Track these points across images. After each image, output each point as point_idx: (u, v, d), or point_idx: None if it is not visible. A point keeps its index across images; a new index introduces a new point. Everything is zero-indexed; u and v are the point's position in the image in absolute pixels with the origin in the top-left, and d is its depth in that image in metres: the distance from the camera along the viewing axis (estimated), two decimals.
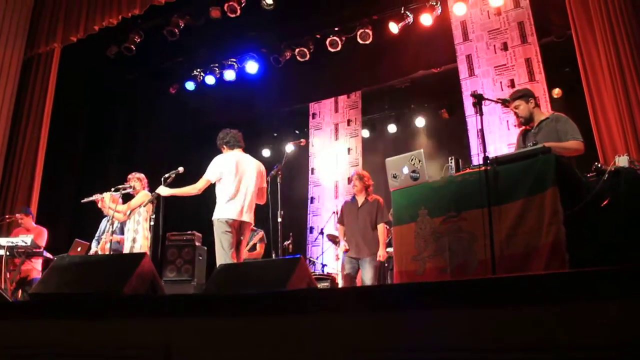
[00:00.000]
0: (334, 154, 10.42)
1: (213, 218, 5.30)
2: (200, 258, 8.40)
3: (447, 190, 3.94)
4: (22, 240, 6.85)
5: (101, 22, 8.52)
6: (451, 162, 4.09)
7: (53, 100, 8.94)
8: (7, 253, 6.76)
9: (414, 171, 4.17)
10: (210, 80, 9.97)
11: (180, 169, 5.66)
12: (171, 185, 5.58)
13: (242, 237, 5.34)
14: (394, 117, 10.33)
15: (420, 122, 10.00)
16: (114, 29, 8.76)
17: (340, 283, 7.20)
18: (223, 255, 5.12)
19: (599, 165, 3.76)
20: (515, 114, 4.44)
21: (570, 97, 8.46)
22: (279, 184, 5.41)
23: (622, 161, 3.70)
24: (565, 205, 3.39)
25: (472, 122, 7.86)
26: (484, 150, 3.69)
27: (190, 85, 10.14)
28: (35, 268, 7.30)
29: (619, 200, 3.47)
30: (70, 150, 9.46)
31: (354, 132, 10.34)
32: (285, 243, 8.17)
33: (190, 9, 8.84)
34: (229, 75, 9.79)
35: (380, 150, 10.18)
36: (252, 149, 10.76)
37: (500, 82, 7.76)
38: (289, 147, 5.78)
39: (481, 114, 3.74)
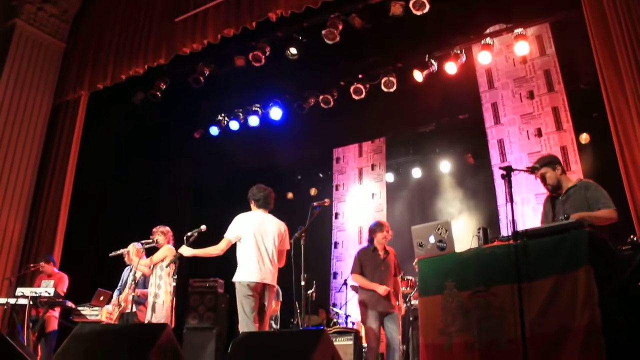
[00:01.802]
0: (358, 198, 10.35)
1: (234, 280, 5.23)
2: (223, 306, 8.34)
3: (476, 263, 3.82)
4: (46, 290, 6.85)
5: (128, 71, 8.63)
6: (479, 233, 3.98)
7: (79, 147, 9.05)
8: (31, 303, 6.77)
9: (440, 241, 4.07)
10: (234, 125, 10.03)
11: (203, 227, 5.61)
12: (194, 242, 5.54)
13: (265, 301, 5.22)
14: (418, 162, 10.24)
15: (445, 166, 9.89)
16: (140, 77, 8.89)
17: (363, 337, 7.06)
18: (245, 320, 5.02)
19: (635, 239, 3.61)
20: (543, 181, 4.34)
21: (599, 142, 8.29)
22: (302, 246, 5.31)
23: None
24: (600, 284, 3.25)
25: (498, 171, 7.74)
26: (513, 224, 3.58)
27: (214, 130, 10.21)
28: (53, 316, 7.29)
29: None
30: (95, 197, 9.51)
31: (378, 176, 10.28)
32: (309, 292, 8.03)
33: (215, 57, 8.91)
34: (253, 121, 9.84)
35: (405, 195, 10.11)
36: (276, 193, 10.89)
37: (527, 131, 7.65)
38: (313, 208, 5.64)
39: (510, 192, 3.62)
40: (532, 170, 4.30)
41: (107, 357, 3.76)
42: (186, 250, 5.42)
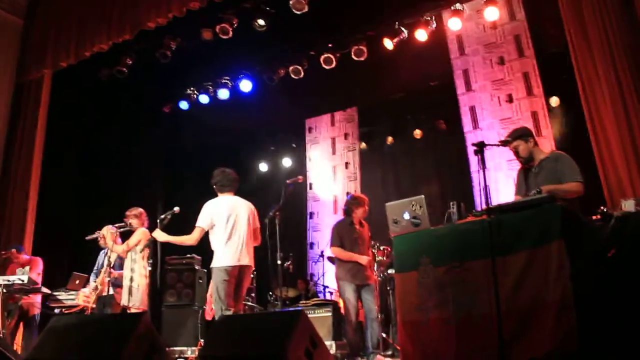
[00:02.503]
0: (331, 168, 10.34)
1: (211, 266, 5.25)
2: (201, 281, 8.33)
3: (450, 239, 3.85)
4: (19, 278, 6.75)
5: (91, 48, 8.38)
6: (453, 208, 4.00)
7: (46, 128, 8.82)
8: (4, 291, 6.68)
9: (415, 217, 4.09)
10: (204, 99, 9.87)
11: (176, 209, 5.57)
12: (168, 225, 5.49)
13: (242, 281, 5.26)
14: (390, 129, 10.21)
15: (417, 133, 9.87)
16: (105, 52, 8.64)
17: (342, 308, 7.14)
18: (219, 304, 5.07)
19: (605, 210, 3.66)
20: (515, 153, 4.37)
21: (569, 105, 8.34)
22: (277, 225, 5.31)
23: (628, 205, 3.61)
24: (572, 257, 3.30)
25: (470, 137, 7.78)
26: (487, 200, 3.60)
27: (184, 105, 10.04)
28: (35, 302, 7.22)
29: (626, 250, 3.39)
30: (65, 179, 9.33)
31: (352, 145, 10.26)
32: (285, 264, 8.06)
33: (181, 31, 8.71)
34: (223, 94, 9.69)
35: (379, 163, 10.11)
36: (249, 165, 10.85)
37: (498, 97, 7.68)
38: (287, 186, 5.62)
39: (484, 168, 3.63)
40: (504, 143, 4.31)
41: (85, 351, 3.72)
42: (160, 236, 5.39)
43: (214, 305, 5.13)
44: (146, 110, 10.21)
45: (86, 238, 6.53)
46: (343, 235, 6.34)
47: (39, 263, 7.43)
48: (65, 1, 8.89)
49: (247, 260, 5.27)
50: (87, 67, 8.98)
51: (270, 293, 8.03)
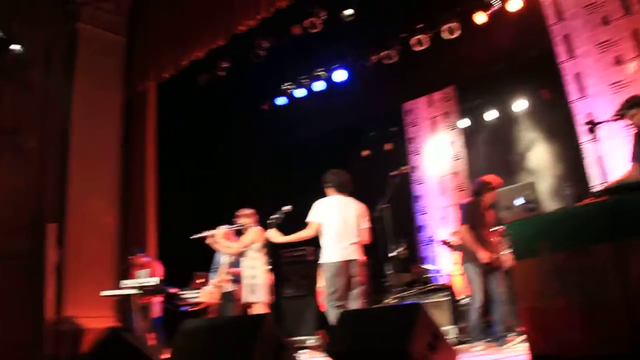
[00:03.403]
0: (434, 149, 10.21)
1: (320, 262, 5.36)
2: (315, 272, 8.55)
3: (570, 223, 3.71)
4: (147, 280, 7.25)
5: (189, 57, 8.79)
6: (569, 190, 3.86)
7: (157, 136, 9.38)
8: (136, 292, 7.19)
9: (528, 202, 3.98)
10: (300, 93, 10.06)
11: (287, 208, 5.71)
12: (280, 224, 5.66)
13: (354, 276, 5.29)
14: (491, 104, 9.89)
15: (519, 105, 9.50)
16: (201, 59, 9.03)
17: (459, 293, 7.07)
18: (329, 300, 5.18)
19: None
20: (632, 124, 4.12)
21: None
22: (384, 219, 5.32)
23: None
24: None
25: (578, 107, 7.40)
26: (605, 180, 3.45)
27: (281, 101, 10.27)
28: (155, 304, 7.72)
29: None
30: (180, 183, 9.85)
31: (453, 124, 10.05)
32: (398, 251, 7.98)
33: (271, 29, 8.91)
34: (319, 86, 9.84)
35: (483, 139, 9.84)
36: (350, 154, 10.91)
37: (606, 61, 7.21)
38: (392, 178, 5.61)
39: (596, 139, 3.46)
40: (619, 116, 4.08)
41: (216, 352, 3.97)
42: (275, 236, 5.57)
43: (325, 301, 5.25)
44: (245, 110, 10.56)
45: (191, 237, 6.81)
46: (471, 216, 6.16)
47: (159, 268, 7.95)
48: (162, 16, 9.34)
49: (356, 254, 5.30)
50: (186, 75, 9.44)
51: (385, 281, 8.08)
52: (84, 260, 8.81)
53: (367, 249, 5.54)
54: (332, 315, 5.11)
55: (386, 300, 7.33)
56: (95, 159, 9.19)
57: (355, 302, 5.24)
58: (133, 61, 9.75)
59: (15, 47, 9.54)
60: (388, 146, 10.95)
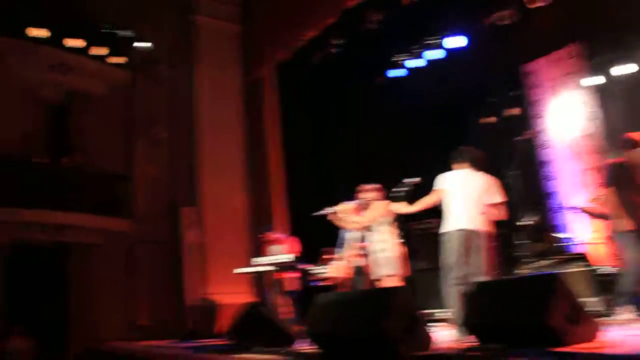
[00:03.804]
0: (561, 110, 9.63)
1: (440, 231, 5.26)
2: (444, 244, 8.45)
3: None
4: (279, 257, 7.53)
5: (303, 38, 8.96)
6: None
7: (278, 117, 9.68)
8: (271, 269, 7.50)
9: None
10: (415, 63, 9.87)
11: (415, 180, 5.66)
12: (407, 197, 5.62)
13: (477, 248, 5.10)
14: (622, 57, 9.08)
15: None
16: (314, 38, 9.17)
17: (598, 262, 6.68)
18: (446, 273, 5.07)
19: None
20: None
21: None
22: (515, 187, 5.11)
23: None
24: None
25: None
26: None
27: (396, 73, 10.15)
28: (292, 279, 7.99)
29: None
30: (303, 160, 10.10)
31: (579, 83, 9.40)
32: (528, 219, 7.63)
33: (381, 2, 8.81)
34: (433, 54, 9.60)
35: (616, 96, 9.09)
36: (472, 121, 10.56)
37: None
38: (518, 143, 5.36)
39: None
40: None
41: (350, 325, 4.06)
42: (401, 208, 5.55)
43: (443, 271, 5.15)
44: (360, 84, 10.55)
45: (313, 214, 6.91)
46: (618, 178, 5.66)
47: (295, 244, 8.20)
48: (274, 1, 9.55)
49: (480, 225, 5.13)
50: (301, 55, 9.61)
51: (515, 251, 7.82)
52: (218, 240, 9.38)
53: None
54: (449, 290, 5.03)
55: (518, 272, 7.09)
56: (222, 144, 9.70)
57: (480, 275, 5.08)
58: (250, 47, 10.10)
59: (144, 44, 10.21)
60: (510, 111, 10.48)
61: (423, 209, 5.45)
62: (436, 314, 7.76)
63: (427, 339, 4.06)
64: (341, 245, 7.28)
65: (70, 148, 10.13)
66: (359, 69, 10.34)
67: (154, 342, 7.74)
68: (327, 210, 6.73)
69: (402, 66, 10.03)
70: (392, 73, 10.20)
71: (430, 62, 9.72)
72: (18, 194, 9.03)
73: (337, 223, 6.69)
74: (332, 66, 9.89)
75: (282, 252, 7.77)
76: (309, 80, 10.27)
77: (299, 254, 7.79)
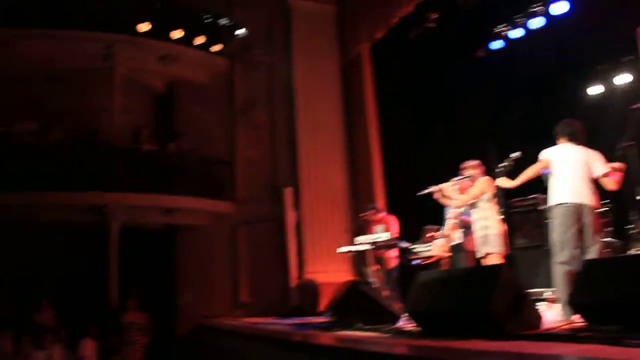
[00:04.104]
0: None
1: (547, 205, 5.03)
2: (548, 221, 8.10)
3: None
4: (379, 236, 7.52)
5: (398, 15, 8.82)
6: None
7: (375, 96, 9.64)
8: (370, 248, 7.51)
9: None
10: (517, 33, 9.41)
11: (516, 154, 5.44)
12: (510, 172, 5.43)
13: (586, 224, 4.80)
14: None
15: None
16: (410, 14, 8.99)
17: None
18: (553, 247, 4.82)
19: None
20: None
21: None
22: (631, 159, 4.76)
23: None
24: None
25: None
26: None
27: (497, 44, 9.73)
28: (392, 257, 7.96)
29: None
30: (401, 138, 9.99)
31: None
32: None
33: None
34: (536, 22, 9.11)
35: None
36: (578, 91, 9.95)
37: None
38: (633, 112, 4.99)
39: None
40: None
41: (455, 302, 3.99)
42: (506, 182, 5.38)
43: (552, 248, 4.90)
44: (459, 59, 10.23)
45: (418, 194, 6.82)
46: None
47: (394, 222, 8.15)
48: None
49: (589, 199, 4.84)
50: (397, 32, 9.46)
51: (631, 228, 7.31)
52: (318, 220, 9.54)
53: (610, 193, 5.04)
54: (556, 268, 4.79)
55: (634, 250, 6.64)
56: (320, 125, 9.81)
57: (592, 253, 4.81)
58: (345, 27, 10.11)
59: (240, 31, 10.49)
60: (622, 77, 9.76)
61: (527, 180, 5.23)
62: (536, 293, 7.47)
63: (535, 317, 3.93)
64: (445, 223, 7.17)
65: (176, 135, 10.64)
66: (457, 43, 10.02)
67: (257, 319, 8.01)
68: (432, 189, 6.63)
69: (504, 37, 9.60)
70: (495, 45, 9.79)
71: (532, 31, 9.23)
72: (130, 180, 9.64)
73: (441, 201, 6.59)
74: (429, 42, 9.65)
75: (382, 231, 7.76)
76: (405, 58, 10.11)
77: (398, 233, 7.78)
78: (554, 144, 5.17)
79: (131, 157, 9.86)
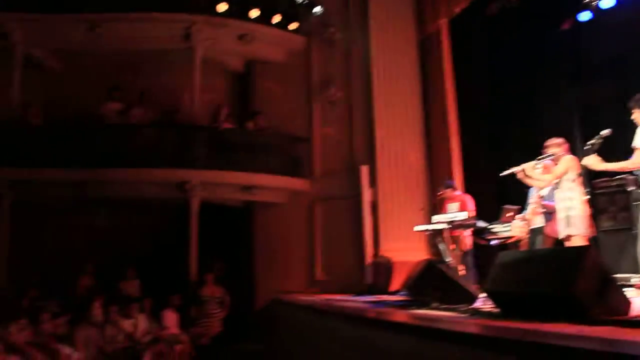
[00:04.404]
0: None
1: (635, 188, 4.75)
2: (636, 203, 7.67)
3: None
4: (457, 215, 7.37)
5: None
6: None
7: (453, 72, 9.40)
8: (446, 227, 7.38)
9: None
10: (608, 2, 8.83)
11: (606, 132, 5.16)
12: (598, 151, 5.16)
13: None
14: None
15: None
16: None
17: None
18: None
19: None
20: None
21: None
22: None
23: None
24: None
25: None
26: None
27: (585, 16, 9.18)
28: (467, 236, 7.79)
29: None
30: (479, 115, 9.70)
31: None
32: None
33: None
34: None
35: None
36: None
37: None
38: None
39: None
40: None
41: (536, 284, 3.85)
42: (595, 163, 5.12)
43: None
44: (542, 33, 9.76)
45: (501, 174, 6.61)
46: None
47: (468, 201, 7.96)
48: None
49: None
50: (476, 7, 9.13)
51: None
52: (394, 198, 9.47)
53: None
54: None
55: None
56: (396, 102, 9.70)
57: None
58: (423, 1, 9.84)
59: (317, 9, 10.47)
60: None
61: (622, 170, 4.96)
62: (623, 278, 7.11)
63: (623, 303, 3.73)
64: (526, 205, 6.95)
65: (253, 113, 10.81)
66: (541, 15, 9.55)
67: (332, 296, 8.07)
68: (514, 169, 6.42)
69: (595, 7, 9.03)
70: (583, 16, 9.23)
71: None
72: (209, 157, 9.93)
73: (525, 181, 6.37)
74: (510, 14, 9.25)
75: (456, 209, 7.63)
76: (485, 32, 9.75)
77: (474, 212, 7.61)
78: None
79: (210, 135, 10.11)
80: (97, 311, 6.66)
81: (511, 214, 7.37)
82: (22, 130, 10.09)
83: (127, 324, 8.20)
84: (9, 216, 9.78)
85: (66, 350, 5.66)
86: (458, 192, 8.20)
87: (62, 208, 10.94)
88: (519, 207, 7.16)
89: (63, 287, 9.81)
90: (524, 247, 6.83)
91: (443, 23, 9.48)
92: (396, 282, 8.21)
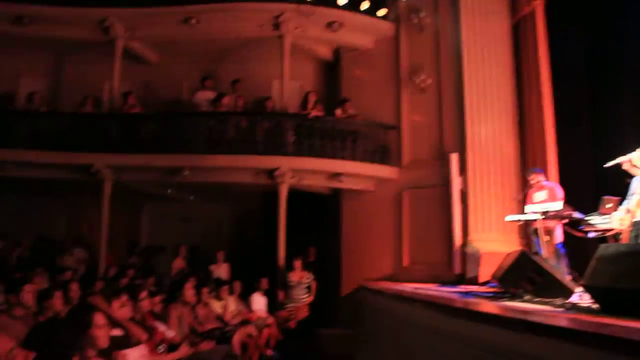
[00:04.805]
0: None
1: None
2: None
3: None
4: (551, 205, 7.07)
5: None
6: None
7: (548, 58, 8.98)
8: (540, 217, 7.10)
9: None
10: None
11: None
12: None
13: None
14: None
15: None
16: None
17: None
18: None
19: None
20: None
21: None
22: None
23: None
24: None
25: None
26: None
27: None
28: (558, 228, 7.44)
29: None
30: (576, 103, 9.20)
31: None
32: None
33: None
34: None
35: None
36: None
37: None
38: None
39: None
40: None
41: (638, 279, 3.65)
42: None
43: None
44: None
45: (605, 165, 6.29)
46: None
47: (560, 188, 7.60)
48: None
49: None
50: None
51: None
52: (484, 186, 9.22)
53: None
54: None
55: None
56: (488, 89, 9.40)
57: None
58: None
59: None
60: None
61: None
62: None
63: None
64: (629, 195, 6.57)
65: (342, 100, 10.83)
66: None
67: (418, 285, 8.01)
68: (620, 159, 6.10)
69: None
70: None
71: None
72: (298, 144, 10.09)
73: (631, 171, 6.03)
74: None
75: (546, 198, 7.32)
76: (583, 13, 9.19)
77: (563, 202, 7.27)
78: None
79: (300, 123, 10.25)
80: (189, 292, 6.95)
81: (611, 205, 6.98)
82: (123, 117, 10.68)
83: (217, 305, 8.49)
84: (109, 201, 10.40)
85: (162, 327, 5.95)
86: (547, 182, 7.86)
87: (157, 194, 11.53)
88: (620, 198, 6.77)
89: (157, 268, 10.39)
90: (624, 240, 6.45)
91: (539, 4, 9.03)
92: (485, 273, 8.01)
